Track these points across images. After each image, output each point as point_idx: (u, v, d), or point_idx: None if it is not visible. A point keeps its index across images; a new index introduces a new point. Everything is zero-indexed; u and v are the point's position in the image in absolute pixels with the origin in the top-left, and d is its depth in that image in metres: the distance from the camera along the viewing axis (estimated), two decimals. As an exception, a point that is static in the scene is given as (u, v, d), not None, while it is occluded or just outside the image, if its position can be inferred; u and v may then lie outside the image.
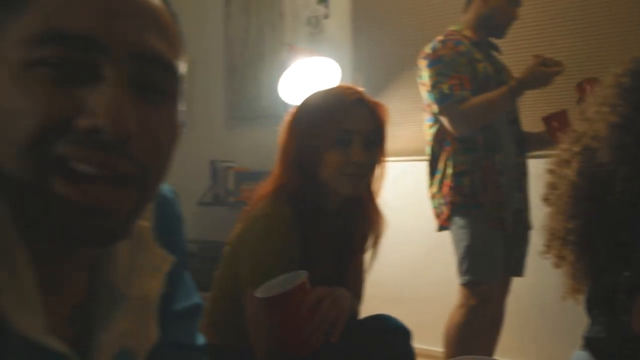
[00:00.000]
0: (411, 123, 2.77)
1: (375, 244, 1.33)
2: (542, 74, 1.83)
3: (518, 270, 2.07)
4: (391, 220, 1.36)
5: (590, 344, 1.01)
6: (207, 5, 3.49)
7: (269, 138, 3.22)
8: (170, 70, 0.51)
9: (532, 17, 2.51)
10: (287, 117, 1.32)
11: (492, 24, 2.00)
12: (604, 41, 2.43)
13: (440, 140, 1.98)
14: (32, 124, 0.44)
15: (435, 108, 1.91)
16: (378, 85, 2.86)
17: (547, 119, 1.95)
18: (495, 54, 2.08)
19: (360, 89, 1.30)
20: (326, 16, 3.08)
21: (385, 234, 1.33)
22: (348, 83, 1.35)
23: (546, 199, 1.02)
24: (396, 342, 1.22)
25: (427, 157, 2.04)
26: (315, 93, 1.30)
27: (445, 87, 1.87)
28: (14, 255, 0.47)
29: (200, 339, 0.75)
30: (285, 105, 2.68)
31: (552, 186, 1.01)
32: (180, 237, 0.69)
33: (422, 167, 2.61)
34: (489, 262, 1.92)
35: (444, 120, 1.91)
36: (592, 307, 0.95)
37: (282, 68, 2.60)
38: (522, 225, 2.03)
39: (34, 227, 0.48)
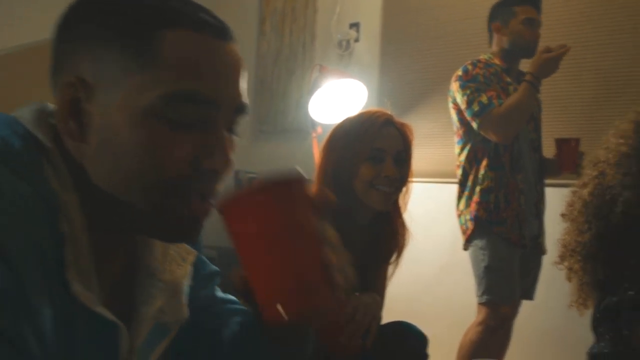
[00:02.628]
0: (432, 147, 2.88)
1: (399, 255, 1.44)
2: (547, 60, 1.96)
3: (529, 293, 2.15)
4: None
5: (594, 359, 1.09)
6: (242, 22, 3.65)
7: (292, 152, 3.37)
8: (245, 114, 0.65)
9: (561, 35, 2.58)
10: (323, 139, 1.44)
11: (517, 50, 2.12)
12: (635, 57, 2.51)
13: (471, 159, 2.08)
14: (169, 164, 0.57)
15: (477, 121, 1.99)
16: (402, 109, 2.97)
17: (559, 142, 2.06)
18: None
19: (389, 112, 1.42)
20: (356, 39, 3.21)
21: (408, 247, 1.43)
22: (376, 106, 1.47)
23: (564, 215, 1.13)
24: (414, 347, 1.32)
25: (456, 179, 2.15)
26: (349, 116, 1.43)
27: (484, 99, 1.98)
28: (79, 240, 0.57)
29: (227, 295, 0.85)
30: (312, 122, 2.79)
31: (570, 204, 1.12)
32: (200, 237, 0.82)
33: (442, 189, 2.70)
34: (509, 284, 2.01)
35: (488, 130, 1.99)
36: (598, 324, 1.04)
37: (310, 87, 2.71)
38: (537, 250, 2.11)
39: (98, 219, 0.59)
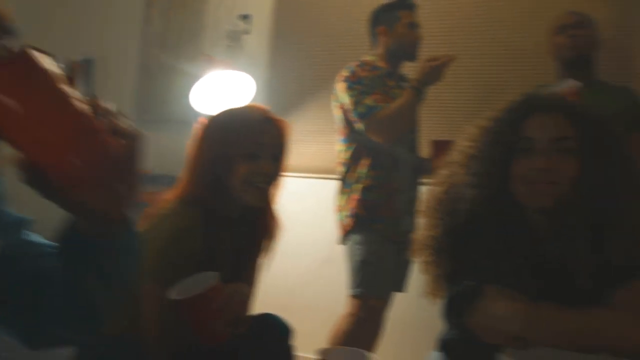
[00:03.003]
0: (316, 143, 2.93)
1: (271, 247, 1.45)
2: (432, 68, 2.02)
3: (401, 286, 2.26)
4: (287, 233, 1.48)
5: (443, 345, 1.18)
6: (127, 6, 3.47)
7: (174, 143, 3.25)
8: (12, 36, 0.66)
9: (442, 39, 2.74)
10: (198, 130, 1.40)
11: (402, 52, 2.21)
12: (510, 65, 2.71)
13: (354, 158, 2.15)
14: None
15: (363, 122, 2.04)
16: (289, 105, 3.00)
17: (433, 143, 2.18)
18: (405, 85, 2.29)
19: (267, 107, 1.43)
20: (246, 32, 3.18)
21: (280, 239, 1.45)
22: (265, 100, 1.48)
23: (421, 211, 1.21)
24: (279, 338, 1.35)
25: (338, 176, 2.20)
26: (228, 109, 1.42)
27: (369, 101, 2.05)
28: None
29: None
30: (195, 113, 2.73)
31: (427, 201, 1.20)
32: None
33: (324, 185, 2.76)
34: (381, 278, 2.09)
35: (372, 132, 2.05)
36: (447, 313, 1.12)
37: (196, 77, 2.65)
38: (409, 245, 2.22)
39: None
